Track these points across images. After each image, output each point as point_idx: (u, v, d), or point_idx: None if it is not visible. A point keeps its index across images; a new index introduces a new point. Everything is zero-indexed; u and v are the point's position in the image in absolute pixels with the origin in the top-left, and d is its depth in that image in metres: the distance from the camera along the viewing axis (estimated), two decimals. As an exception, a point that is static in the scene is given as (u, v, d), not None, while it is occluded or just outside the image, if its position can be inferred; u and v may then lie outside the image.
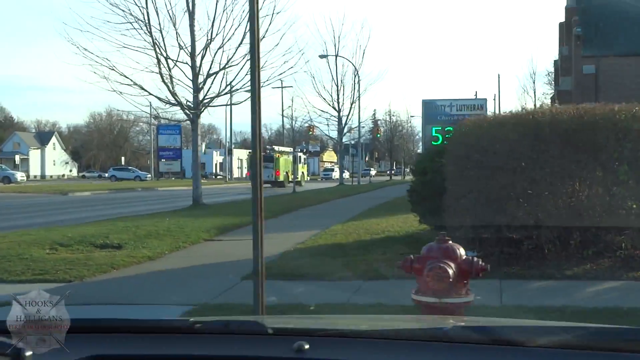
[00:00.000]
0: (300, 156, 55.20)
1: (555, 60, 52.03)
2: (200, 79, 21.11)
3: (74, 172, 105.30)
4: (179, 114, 24.31)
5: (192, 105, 21.29)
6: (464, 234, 8.95)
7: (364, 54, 55.36)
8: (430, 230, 11.65)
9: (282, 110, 67.28)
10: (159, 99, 21.15)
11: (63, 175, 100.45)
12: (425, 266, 4.70)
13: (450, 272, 4.59)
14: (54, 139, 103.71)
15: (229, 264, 10.66)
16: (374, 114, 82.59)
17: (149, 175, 79.33)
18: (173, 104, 21.32)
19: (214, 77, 21.21)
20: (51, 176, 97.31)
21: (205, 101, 21.45)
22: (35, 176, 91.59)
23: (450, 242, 4.86)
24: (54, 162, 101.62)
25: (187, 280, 9.42)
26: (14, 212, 24.13)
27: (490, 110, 33.04)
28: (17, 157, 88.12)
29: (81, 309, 7.75)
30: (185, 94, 21.59)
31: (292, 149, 52.24)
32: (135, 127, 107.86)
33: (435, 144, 24.91)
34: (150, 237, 13.01)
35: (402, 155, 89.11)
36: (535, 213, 8.92)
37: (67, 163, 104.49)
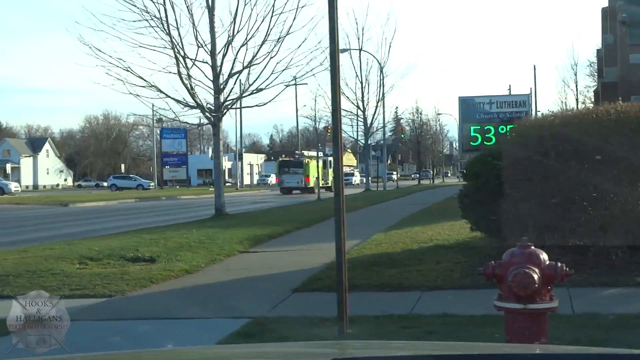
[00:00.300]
0: (330, 161, 55.78)
1: (598, 50, 52.13)
2: (221, 79, 21.57)
3: (69, 182, 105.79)
4: (190, 118, 24.85)
5: (212, 108, 21.75)
6: (524, 241, 9.35)
7: (390, 47, 54.83)
8: (483, 237, 12.07)
9: (297, 110, 67.82)
10: (177, 101, 21.63)
11: (57, 185, 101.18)
12: (508, 272, 5.15)
13: (536, 277, 5.04)
14: (47, 146, 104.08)
15: (273, 276, 11.17)
16: (396, 112, 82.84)
17: (152, 184, 79.99)
18: (192, 107, 21.79)
19: (237, 77, 21.68)
20: (44, 186, 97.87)
21: (227, 103, 21.93)
22: (27, 186, 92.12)
23: (533, 247, 5.32)
24: (48, 170, 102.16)
25: (234, 294, 9.89)
26: (20, 225, 24.80)
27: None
28: (8, 166, 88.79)
29: (134, 323, 8.28)
30: (206, 96, 22.08)
31: (321, 153, 52.78)
32: (135, 132, 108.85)
33: (475, 144, 25.31)
34: (183, 250, 13.53)
35: (431, 157, 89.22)
36: (601, 217, 9.33)
37: (61, 172, 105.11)
